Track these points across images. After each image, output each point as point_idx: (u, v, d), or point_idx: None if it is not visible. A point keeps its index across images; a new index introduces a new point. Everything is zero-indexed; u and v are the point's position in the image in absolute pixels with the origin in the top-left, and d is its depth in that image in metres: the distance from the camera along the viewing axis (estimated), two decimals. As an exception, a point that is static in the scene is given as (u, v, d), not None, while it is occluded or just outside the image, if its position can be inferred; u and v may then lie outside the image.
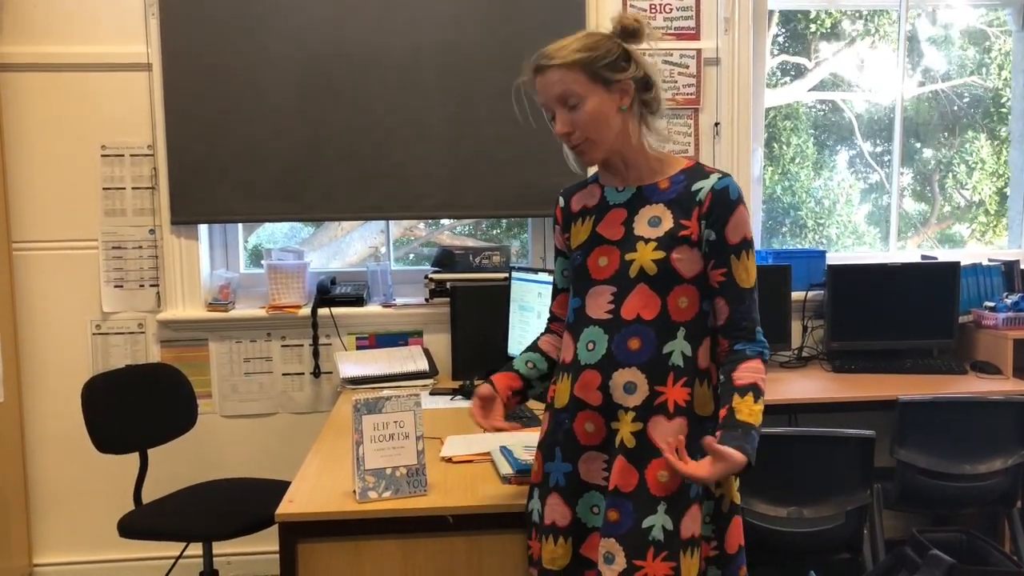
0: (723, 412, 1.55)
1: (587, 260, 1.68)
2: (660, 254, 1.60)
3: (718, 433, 1.52)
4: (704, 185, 1.61)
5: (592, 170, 1.76)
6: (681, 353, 1.60)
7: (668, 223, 1.61)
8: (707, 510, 1.62)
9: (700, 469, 1.46)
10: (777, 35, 3.91)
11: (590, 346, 1.64)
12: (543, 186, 3.25)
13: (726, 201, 1.59)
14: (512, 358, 1.83)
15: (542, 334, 1.89)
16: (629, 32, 1.61)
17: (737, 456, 1.45)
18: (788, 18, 4.10)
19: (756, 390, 1.54)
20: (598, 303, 1.65)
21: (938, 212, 4.26)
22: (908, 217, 4.02)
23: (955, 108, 4.01)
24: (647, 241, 1.61)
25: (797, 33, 4.19)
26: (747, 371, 1.57)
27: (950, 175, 4.16)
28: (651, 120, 1.67)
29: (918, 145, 3.98)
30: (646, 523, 1.55)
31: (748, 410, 1.52)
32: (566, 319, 1.75)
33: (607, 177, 1.73)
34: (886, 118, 3.89)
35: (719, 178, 1.61)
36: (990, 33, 4.04)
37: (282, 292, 3.28)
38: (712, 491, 1.63)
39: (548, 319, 1.89)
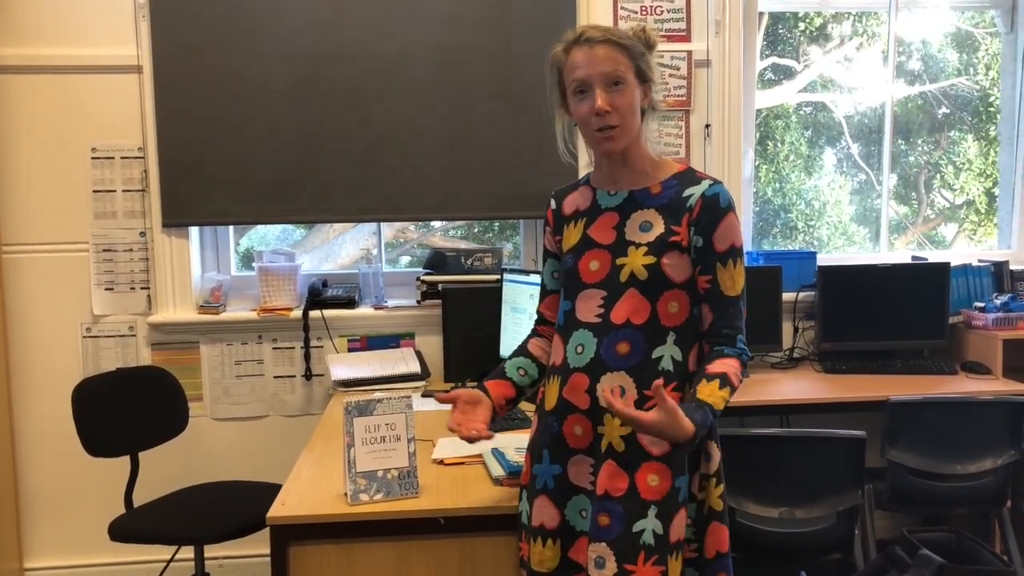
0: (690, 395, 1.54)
1: (578, 263, 1.68)
2: (651, 259, 1.60)
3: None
4: (695, 191, 1.61)
5: (584, 171, 1.76)
6: (671, 358, 1.60)
7: (659, 228, 1.62)
8: (690, 512, 1.62)
9: (643, 415, 1.42)
10: (765, 37, 3.92)
11: (579, 349, 1.64)
12: (535, 188, 3.26)
13: (715, 208, 1.59)
14: (505, 360, 1.82)
15: (530, 337, 1.88)
16: (651, 44, 1.65)
17: (684, 421, 1.43)
18: (776, 19, 4.11)
19: (724, 378, 1.55)
20: (588, 306, 1.65)
21: (924, 214, 4.27)
22: (895, 218, 4.04)
23: (943, 110, 4.02)
24: (638, 246, 1.62)
25: (785, 35, 4.21)
26: (720, 364, 1.57)
27: (938, 176, 4.18)
28: (649, 124, 1.70)
29: (904, 148, 3.99)
30: (637, 527, 1.55)
31: (709, 391, 1.52)
32: (556, 322, 1.75)
33: (600, 179, 1.73)
34: (874, 119, 3.91)
35: (710, 185, 1.62)
36: (977, 35, 4.06)
37: (273, 294, 3.28)
38: (695, 494, 1.63)
39: (535, 321, 1.88)
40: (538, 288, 2.83)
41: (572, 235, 1.72)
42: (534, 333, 1.88)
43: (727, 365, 1.57)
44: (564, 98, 1.67)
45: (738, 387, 1.57)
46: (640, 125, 1.65)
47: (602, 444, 1.62)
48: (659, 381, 1.45)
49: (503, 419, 2.47)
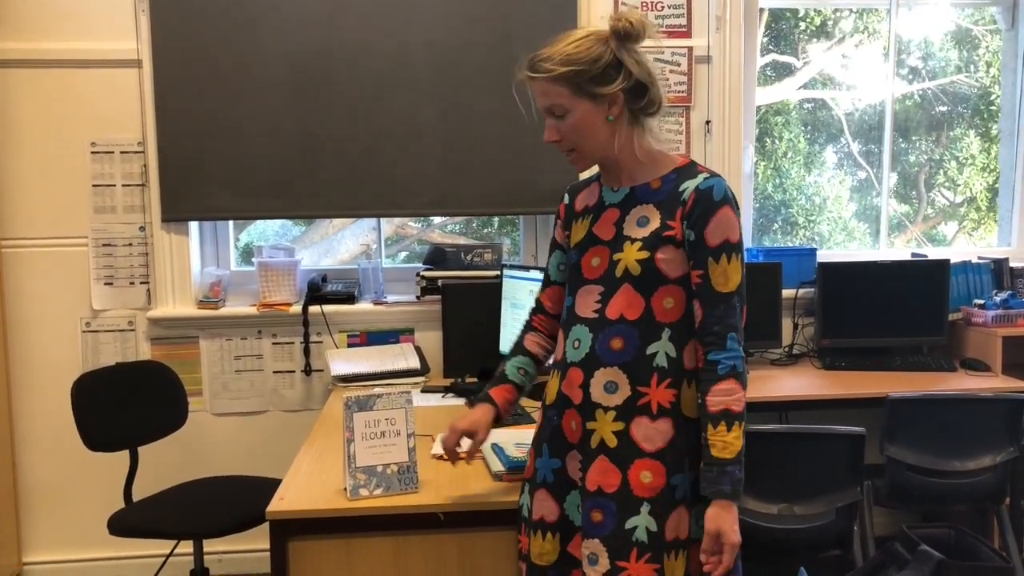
0: (703, 442, 1.54)
1: (581, 259, 1.68)
2: (644, 254, 1.59)
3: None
4: (690, 185, 1.59)
5: (594, 168, 1.74)
6: (665, 354, 1.59)
7: (655, 223, 1.60)
8: (699, 513, 1.58)
9: (727, 561, 1.50)
10: (766, 34, 3.92)
11: (576, 344, 1.65)
12: (535, 184, 3.25)
13: (708, 201, 1.56)
14: (505, 356, 1.81)
15: (525, 331, 1.86)
16: (623, 36, 1.56)
17: (715, 515, 1.50)
18: (776, 16, 4.10)
19: (728, 416, 1.51)
20: (586, 302, 1.65)
21: (924, 212, 4.28)
22: (895, 216, 4.04)
23: (944, 107, 4.02)
24: (633, 241, 1.61)
25: (786, 32, 4.21)
26: (719, 394, 1.53)
27: (940, 173, 4.18)
28: (647, 121, 1.64)
29: (905, 146, 3.99)
30: (629, 524, 1.55)
31: (722, 443, 1.50)
32: (558, 315, 1.75)
33: (606, 177, 1.72)
34: (874, 117, 3.90)
35: (705, 178, 1.59)
36: (977, 32, 4.05)
37: (273, 290, 3.28)
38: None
39: (532, 310, 1.87)
40: (538, 284, 2.85)
41: (579, 231, 1.72)
42: (529, 327, 1.86)
43: (724, 394, 1.52)
44: None
45: (743, 411, 1.53)
46: (618, 135, 1.60)
47: (592, 440, 1.61)
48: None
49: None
